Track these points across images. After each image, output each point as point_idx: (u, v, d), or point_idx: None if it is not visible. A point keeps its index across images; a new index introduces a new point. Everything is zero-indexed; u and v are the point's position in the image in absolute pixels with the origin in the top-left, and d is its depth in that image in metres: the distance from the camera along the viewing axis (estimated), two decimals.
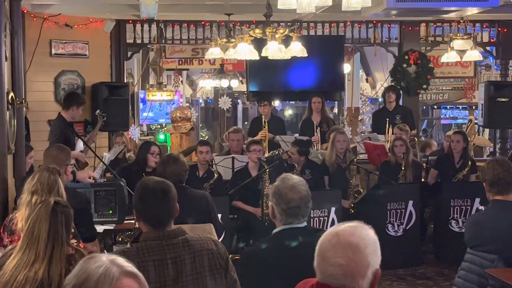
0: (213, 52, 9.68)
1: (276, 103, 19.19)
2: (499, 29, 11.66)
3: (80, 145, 8.09)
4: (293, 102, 21.86)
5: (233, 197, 8.14)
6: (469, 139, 9.46)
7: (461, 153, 8.90)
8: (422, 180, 9.20)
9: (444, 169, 9.04)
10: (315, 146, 9.83)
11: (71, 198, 4.47)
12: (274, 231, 3.69)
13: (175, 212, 3.47)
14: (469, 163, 8.84)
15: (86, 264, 1.99)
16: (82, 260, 2.04)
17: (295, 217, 3.63)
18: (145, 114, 16.16)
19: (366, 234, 2.37)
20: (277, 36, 7.35)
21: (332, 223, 7.74)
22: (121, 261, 2.02)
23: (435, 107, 18.05)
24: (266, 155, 9.26)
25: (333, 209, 7.86)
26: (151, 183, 3.52)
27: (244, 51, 8.03)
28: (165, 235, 3.37)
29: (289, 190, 3.63)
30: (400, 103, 10.95)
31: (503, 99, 10.63)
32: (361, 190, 8.77)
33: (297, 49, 7.72)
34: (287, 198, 3.61)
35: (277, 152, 9.20)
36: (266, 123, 10.14)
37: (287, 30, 7.57)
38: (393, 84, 11.48)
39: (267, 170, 7.92)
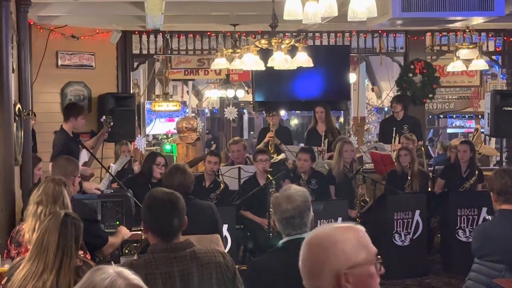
0: (219, 63, 9.69)
1: (282, 112, 19.19)
2: (505, 38, 11.67)
3: (83, 156, 8.04)
4: (299, 111, 21.86)
5: (241, 206, 8.15)
6: (475, 148, 9.44)
7: (468, 163, 8.88)
8: (429, 189, 9.18)
9: (451, 179, 9.02)
10: (321, 156, 9.81)
11: (77, 209, 4.49)
12: (280, 242, 3.69)
13: (184, 224, 3.46)
14: (476, 172, 8.83)
15: (93, 275, 2.00)
16: (89, 271, 2.05)
17: (291, 227, 3.63)
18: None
19: None
20: (283, 46, 7.36)
21: None
22: (128, 273, 2.03)
23: (441, 116, 18.04)
24: (277, 158, 9.27)
25: (339, 219, 7.83)
26: (159, 195, 3.51)
27: (250, 61, 8.05)
28: (173, 248, 3.37)
29: (284, 200, 3.65)
30: (407, 112, 10.94)
31: (509, 108, 10.60)
32: (367, 199, 8.75)
33: (303, 59, 7.73)
34: (281, 208, 3.63)
35: (282, 157, 9.20)
36: (274, 132, 10.16)
37: (293, 40, 7.59)
38: (399, 93, 11.48)
39: (273, 181, 7.91)
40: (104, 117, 8.84)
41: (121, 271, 2.03)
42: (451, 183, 9.01)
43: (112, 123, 8.61)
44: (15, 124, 6.14)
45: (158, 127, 16.01)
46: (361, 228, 2.36)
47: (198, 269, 3.35)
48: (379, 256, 2.31)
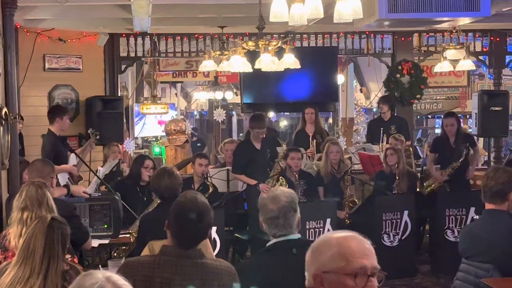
0: (207, 65, 9.68)
1: (271, 114, 19.20)
2: (492, 38, 11.72)
3: (73, 159, 8.05)
4: (288, 113, 21.88)
5: (237, 170, 8.37)
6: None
7: (455, 134, 9.03)
8: (417, 190, 9.19)
9: (442, 151, 9.17)
10: (310, 158, 9.81)
11: (57, 208, 4.49)
12: (268, 244, 3.70)
13: (205, 237, 3.51)
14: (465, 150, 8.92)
15: (82, 281, 2.01)
16: (79, 276, 2.05)
17: (276, 228, 3.64)
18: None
19: None
20: (270, 48, 7.36)
21: None
22: (117, 278, 2.03)
23: (429, 116, 18.08)
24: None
25: (328, 220, 7.84)
26: (189, 205, 3.51)
27: (237, 63, 8.05)
28: (182, 255, 3.38)
29: (270, 201, 3.67)
30: (395, 113, 10.96)
31: (496, 108, 10.65)
32: (356, 200, 8.76)
33: (290, 61, 7.73)
34: (267, 209, 3.65)
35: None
36: None
37: (280, 42, 7.59)
38: (385, 94, 11.50)
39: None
40: (90, 129, 8.86)
41: (110, 276, 2.03)
42: (442, 155, 9.16)
43: (98, 137, 8.69)
44: (1, 128, 6.11)
45: (150, 127, 15.94)
46: (361, 241, 2.39)
47: (200, 283, 3.35)
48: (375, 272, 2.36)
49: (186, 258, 3.38)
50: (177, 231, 3.45)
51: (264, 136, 8.46)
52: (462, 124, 16.51)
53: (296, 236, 3.65)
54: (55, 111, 8.28)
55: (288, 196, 3.69)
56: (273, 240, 3.66)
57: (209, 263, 3.44)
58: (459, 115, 16.92)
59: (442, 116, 17.92)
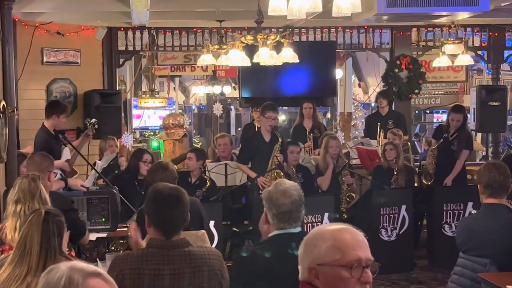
0: (205, 59, 9.66)
1: None
2: (490, 33, 11.71)
3: (66, 154, 7.98)
4: (286, 108, 21.88)
5: (242, 161, 8.38)
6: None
7: (456, 128, 9.05)
8: (415, 184, 9.20)
9: (439, 140, 9.19)
10: (308, 152, 9.82)
11: (55, 202, 4.50)
12: (269, 235, 3.70)
13: (187, 220, 3.52)
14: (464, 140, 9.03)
15: (47, 278, 1.94)
16: (42, 275, 1.99)
17: (287, 221, 3.64)
18: None
19: None
20: (268, 42, 7.36)
21: None
22: (81, 265, 1.97)
23: (428, 111, 18.09)
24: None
25: (326, 214, 7.85)
26: (166, 190, 3.56)
27: (236, 57, 8.04)
28: (168, 245, 3.41)
29: (280, 194, 3.66)
30: (393, 108, 10.95)
31: (494, 103, 10.65)
32: (353, 195, 8.76)
33: (288, 55, 7.73)
34: (278, 202, 3.64)
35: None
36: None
37: (279, 36, 7.59)
38: (384, 89, 11.50)
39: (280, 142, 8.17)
40: (88, 119, 8.63)
41: (73, 264, 1.95)
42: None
43: (96, 126, 8.52)
44: (0, 122, 6.11)
45: (151, 118, 15.91)
46: (355, 233, 2.42)
47: (191, 271, 3.37)
48: (369, 263, 2.38)
49: (173, 248, 3.40)
50: (159, 220, 3.47)
51: (275, 123, 8.42)
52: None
53: (298, 229, 3.67)
54: (53, 108, 8.13)
55: (297, 189, 3.71)
56: (275, 232, 3.66)
57: (196, 251, 3.48)
58: None
59: (440, 111, 18.06)
